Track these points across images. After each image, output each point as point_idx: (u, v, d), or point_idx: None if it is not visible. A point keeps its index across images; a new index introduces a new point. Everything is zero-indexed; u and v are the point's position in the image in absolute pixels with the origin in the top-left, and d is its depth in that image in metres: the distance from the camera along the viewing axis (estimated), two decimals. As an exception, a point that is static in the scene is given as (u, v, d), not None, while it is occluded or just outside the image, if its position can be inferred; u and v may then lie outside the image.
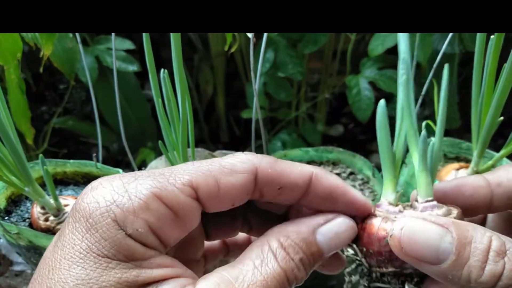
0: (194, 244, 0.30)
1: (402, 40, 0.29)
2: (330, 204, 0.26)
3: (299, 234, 0.24)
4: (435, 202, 0.26)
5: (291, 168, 0.25)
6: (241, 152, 0.27)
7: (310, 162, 0.75)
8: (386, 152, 0.29)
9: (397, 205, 0.28)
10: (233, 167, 0.24)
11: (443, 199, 0.27)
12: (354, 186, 0.69)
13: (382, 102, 0.30)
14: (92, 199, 0.22)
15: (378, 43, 0.90)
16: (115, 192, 0.22)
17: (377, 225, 0.26)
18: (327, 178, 0.26)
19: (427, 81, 0.55)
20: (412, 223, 0.24)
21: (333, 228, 0.25)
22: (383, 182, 0.29)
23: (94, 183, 0.24)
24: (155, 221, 0.22)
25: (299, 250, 0.24)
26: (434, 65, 0.52)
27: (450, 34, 0.53)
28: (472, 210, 0.29)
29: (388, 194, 0.28)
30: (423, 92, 0.56)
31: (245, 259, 0.24)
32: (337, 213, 0.26)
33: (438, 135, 0.29)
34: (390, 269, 0.25)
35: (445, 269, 0.22)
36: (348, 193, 0.26)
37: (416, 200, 0.27)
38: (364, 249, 0.26)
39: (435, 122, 0.28)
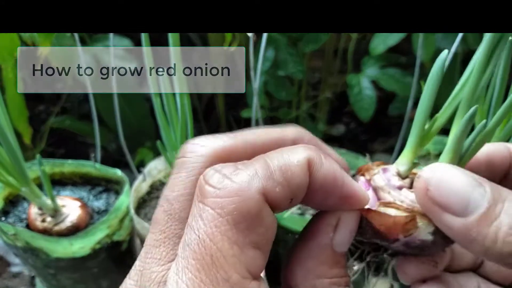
0: None
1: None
2: (323, 198, 0.22)
3: (327, 259, 0.22)
4: None
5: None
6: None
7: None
8: (422, 113, 0.24)
9: (405, 178, 0.25)
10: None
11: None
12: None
13: (444, 53, 0.24)
14: (245, 185, 0.19)
15: (380, 42, 0.89)
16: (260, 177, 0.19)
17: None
18: (323, 166, 0.21)
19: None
20: (444, 167, 0.21)
21: (345, 230, 0.23)
22: (405, 147, 0.25)
23: (220, 167, 0.20)
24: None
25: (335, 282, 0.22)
26: (446, 64, 0.52)
27: (460, 35, 0.52)
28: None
29: (402, 162, 0.25)
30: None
31: None
32: (337, 212, 0.22)
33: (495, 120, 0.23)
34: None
35: (470, 222, 0.19)
36: (346, 185, 0.22)
37: None
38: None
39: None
